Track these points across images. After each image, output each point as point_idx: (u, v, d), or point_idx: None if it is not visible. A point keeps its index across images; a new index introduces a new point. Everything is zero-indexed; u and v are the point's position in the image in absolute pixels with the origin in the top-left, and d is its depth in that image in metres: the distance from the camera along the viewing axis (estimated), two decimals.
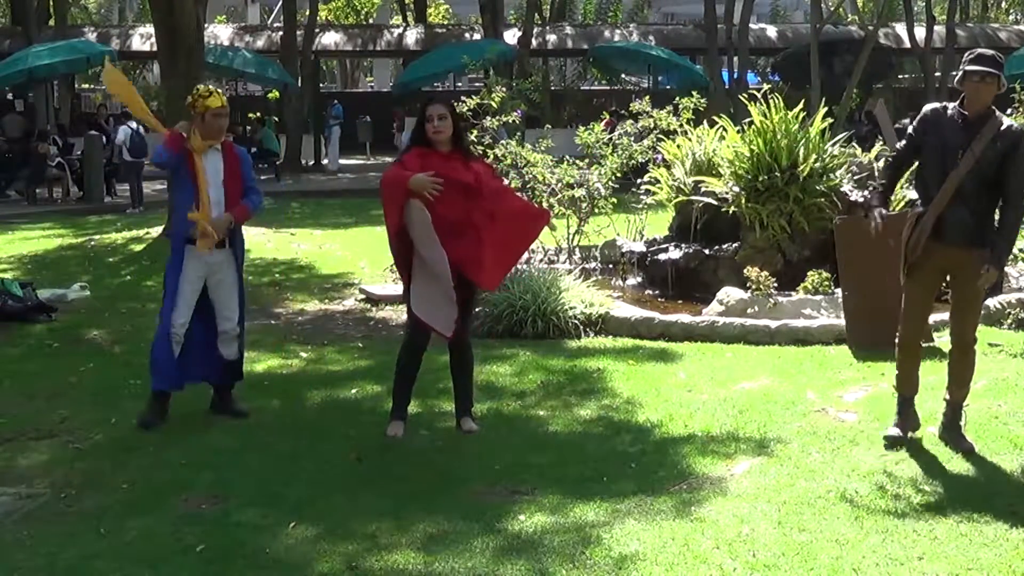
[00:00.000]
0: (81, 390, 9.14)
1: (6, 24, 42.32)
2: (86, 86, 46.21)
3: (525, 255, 12.27)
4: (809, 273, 10.99)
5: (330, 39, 39.02)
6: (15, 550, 5.88)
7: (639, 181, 13.63)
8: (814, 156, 11.76)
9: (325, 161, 33.44)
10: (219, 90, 8.28)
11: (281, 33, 35.85)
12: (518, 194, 9.30)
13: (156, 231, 18.23)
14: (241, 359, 8.36)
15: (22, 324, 11.67)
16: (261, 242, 16.99)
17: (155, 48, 21.55)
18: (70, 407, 8.56)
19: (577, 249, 13.43)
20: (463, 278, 7.33)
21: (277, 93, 34.63)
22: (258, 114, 33.42)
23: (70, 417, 8.36)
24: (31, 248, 17.47)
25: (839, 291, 10.26)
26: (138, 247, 17.60)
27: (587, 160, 13.12)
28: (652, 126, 13.23)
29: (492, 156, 12.59)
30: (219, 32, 37.87)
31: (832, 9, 32.88)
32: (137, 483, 6.87)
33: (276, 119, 33.54)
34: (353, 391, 8.92)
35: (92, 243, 17.91)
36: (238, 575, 5.52)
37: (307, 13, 35.93)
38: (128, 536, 6.04)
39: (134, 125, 24.82)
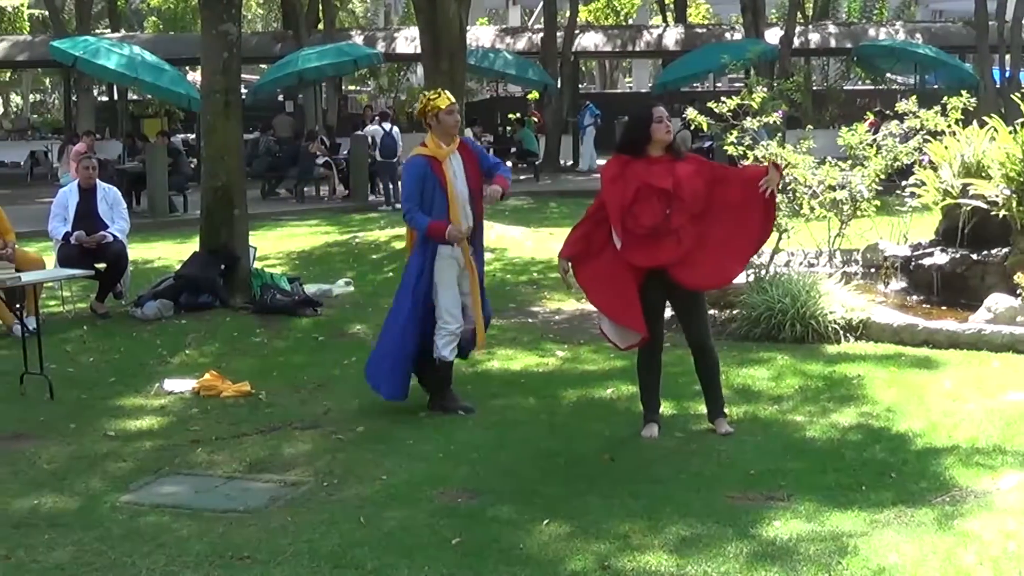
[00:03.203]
0: (344, 383, 9.41)
1: (278, 28, 43.92)
2: (352, 88, 47.59)
3: (783, 256, 12.11)
4: None
5: (590, 40, 39.20)
6: (279, 535, 6.11)
7: (904, 183, 13.27)
8: None
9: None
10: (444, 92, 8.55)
11: (541, 34, 36.18)
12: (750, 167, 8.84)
13: None
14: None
15: (290, 317, 12.09)
16: (520, 241, 17.18)
17: (419, 50, 22.00)
18: (333, 399, 8.84)
19: (838, 252, 13.14)
20: (671, 281, 7.47)
21: (537, 94, 34.95)
22: (518, 115, 33.79)
23: (333, 408, 8.64)
24: (299, 244, 18.07)
25: None
26: (400, 244, 18.00)
27: (849, 161, 12.82)
28: (918, 127, 12.83)
29: (752, 157, 12.43)
30: (481, 34, 38.41)
31: None
32: (395, 475, 7.05)
33: (535, 119, 33.89)
34: (608, 391, 8.94)
35: (356, 240, 18.41)
36: (492, 569, 5.60)
37: (567, 14, 36.19)
38: (387, 526, 6.20)
39: (387, 126, 25.32)
